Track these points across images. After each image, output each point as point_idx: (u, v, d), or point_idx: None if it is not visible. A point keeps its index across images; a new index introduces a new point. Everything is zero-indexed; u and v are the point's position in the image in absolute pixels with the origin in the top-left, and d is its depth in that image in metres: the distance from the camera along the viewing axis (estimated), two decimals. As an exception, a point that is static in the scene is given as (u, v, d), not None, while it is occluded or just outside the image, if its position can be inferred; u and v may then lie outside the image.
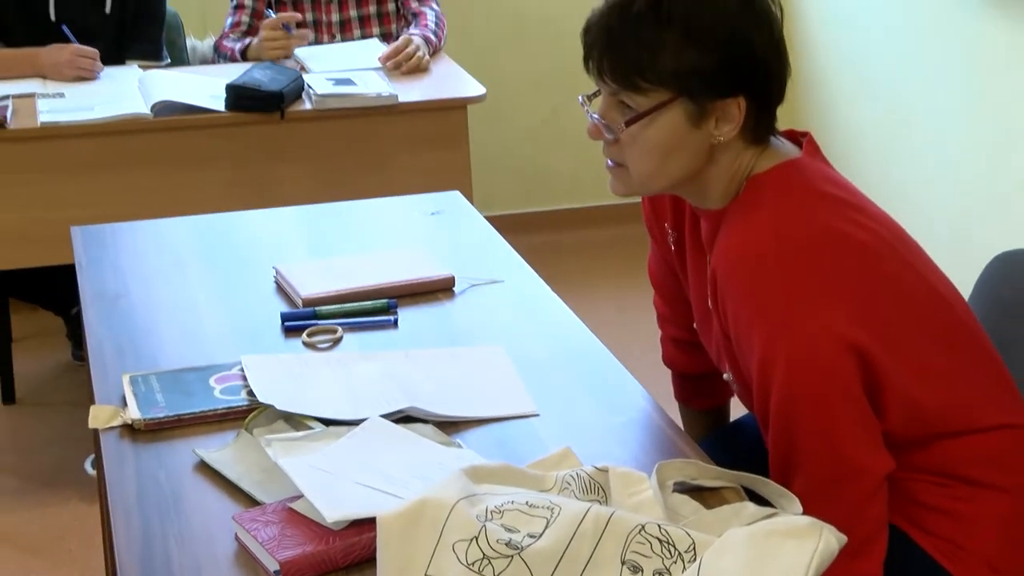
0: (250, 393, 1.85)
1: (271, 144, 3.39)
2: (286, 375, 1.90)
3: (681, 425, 2.01)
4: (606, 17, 1.72)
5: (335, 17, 4.02)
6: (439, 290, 2.24)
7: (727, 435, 2.18)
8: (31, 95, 3.41)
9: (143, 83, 3.48)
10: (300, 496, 1.56)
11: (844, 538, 1.40)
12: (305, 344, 2.05)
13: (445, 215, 2.63)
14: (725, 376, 1.85)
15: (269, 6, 4.05)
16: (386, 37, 4.02)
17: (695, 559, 1.38)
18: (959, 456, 1.75)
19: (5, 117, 3.22)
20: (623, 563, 1.39)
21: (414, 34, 3.80)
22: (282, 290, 2.24)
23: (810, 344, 1.63)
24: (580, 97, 1.80)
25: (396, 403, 1.80)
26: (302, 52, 3.79)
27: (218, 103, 3.35)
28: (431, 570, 1.41)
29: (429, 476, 1.58)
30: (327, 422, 1.76)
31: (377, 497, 1.54)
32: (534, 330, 2.11)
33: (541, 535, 1.41)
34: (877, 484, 1.67)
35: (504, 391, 1.90)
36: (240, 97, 3.35)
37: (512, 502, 1.46)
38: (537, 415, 1.84)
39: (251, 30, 4.00)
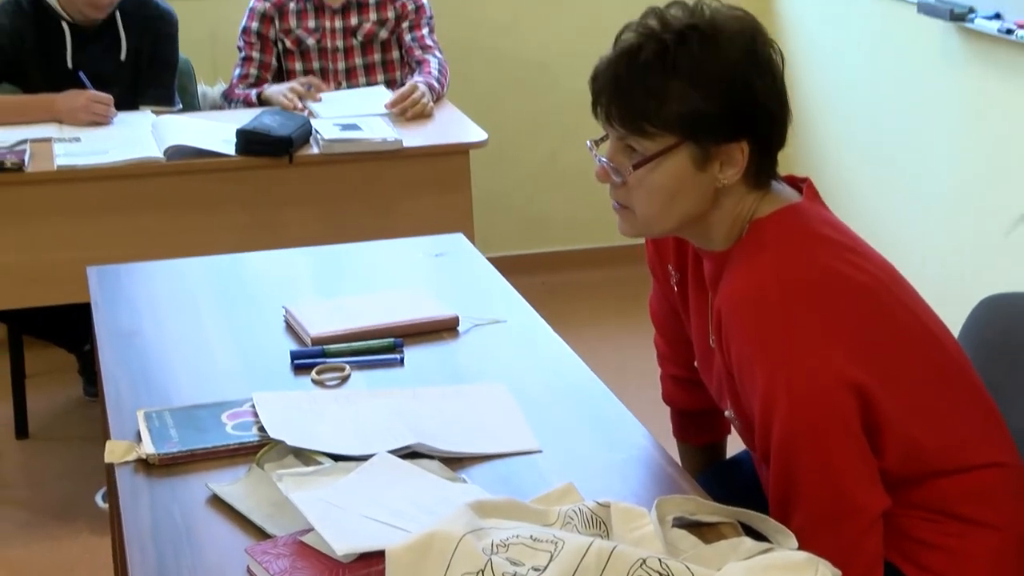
0: (261, 429, 1.85)
1: (280, 187, 3.40)
2: (296, 412, 1.91)
3: (679, 461, 2.01)
4: (614, 65, 1.73)
5: (341, 65, 4.05)
6: (444, 329, 2.24)
7: (723, 471, 2.18)
8: (48, 139, 3.42)
9: (156, 128, 3.49)
10: (310, 529, 1.56)
11: (839, 573, 1.40)
12: (314, 381, 2.06)
13: (449, 257, 2.64)
14: (726, 413, 1.85)
15: (277, 59, 4.08)
16: (390, 84, 4.04)
17: (695, 592, 1.38)
18: (951, 493, 1.75)
19: (23, 160, 3.23)
20: (625, 596, 1.39)
21: (419, 81, 3.82)
22: (291, 329, 2.25)
23: (811, 382, 1.64)
24: (588, 142, 1.81)
25: (403, 439, 1.80)
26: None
27: (229, 147, 3.37)
28: (438, 602, 1.41)
29: (436, 510, 1.58)
30: (336, 457, 1.76)
31: (386, 530, 1.54)
32: (536, 368, 2.11)
33: (546, 568, 1.41)
34: (874, 520, 1.68)
35: (507, 428, 1.90)
36: (250, 142, 3.36)
37: (517, 536, 1.46)
38: (540, 451, 1.84)
39: (258, 82, 4.03)
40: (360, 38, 4.06)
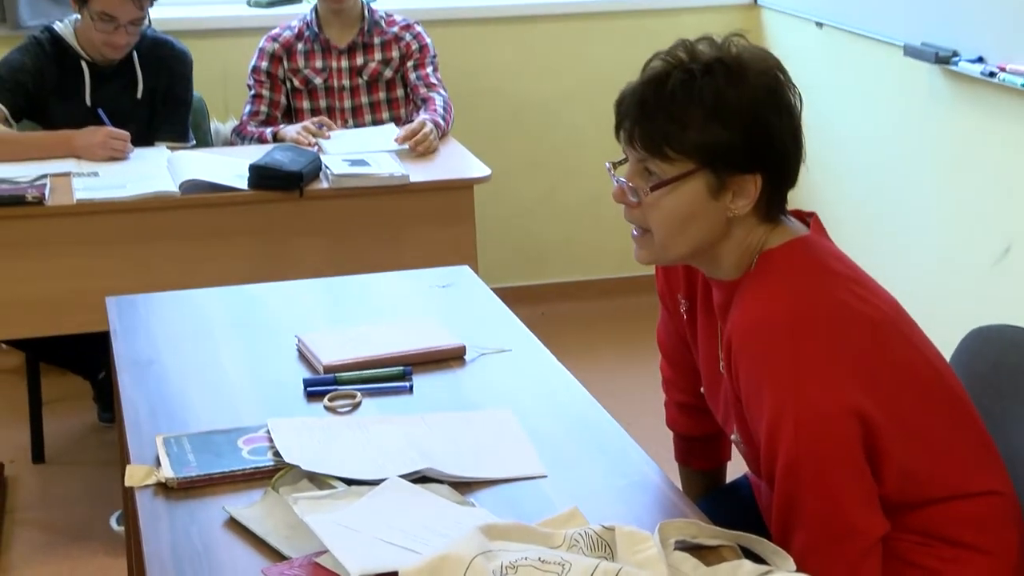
0: (276, 454, 1.85)
1: (291, 220, 3.41)
2: (310, 437, 1.91)
3: (679, 486, 2.01)
4: (641, 90, 1.74)
5: (347, 104, 4.07)
6: (451, 358, 2.25)
7: (723, 495, 2.18)
8: (67, 174, 3.42)
9: (171, 163, 3.50)
10: (325, 551, 1.56)
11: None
12: (327, 408, 2.06)
13: (455, 288, 2.64)
14: (732, 437, 1.86)
15: (286, 97, 4.09)
16: (396, 121, 4.06)
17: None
18: (946, 519, 1.75)
19: (44, 194, 3.24)
20: (631, 616, 1.40)
21: (426, 118, 3.84)
22: (304, 357, 2.25)
23: (816, 409, 1.65)
24: (607, 164, 1.82)
25: (414, 464, 1.81)
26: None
27: (241, 182, 3.38)
28: (450, 622, 1.41)
29: (447, 533, 1.58)
30: (349, 481, 1.76)
31: (399, 552, 1.54)
32: (540, 396, 2.12)
33: (554, 589, 1.42)
34: (873, 543, 1.68)
35: (514, 453, 1.91)
36: (262, 176, 3.37)
37: (526, 558, 1.46)
38: (545, 476, 1.84)
39: (269, 119, 4.04)
40: (366, 77, 4.08)
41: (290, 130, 3.87)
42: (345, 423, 1.99)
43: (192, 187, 3.35)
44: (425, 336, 2.30)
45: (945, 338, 2.09)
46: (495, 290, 2.63)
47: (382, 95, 4.10)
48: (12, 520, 3.44)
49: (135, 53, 3.75)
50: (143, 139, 3.71)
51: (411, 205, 3.48)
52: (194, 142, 3.90)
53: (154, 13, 3.73)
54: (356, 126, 4.04)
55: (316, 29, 4.06)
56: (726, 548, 1.64)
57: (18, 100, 3.65)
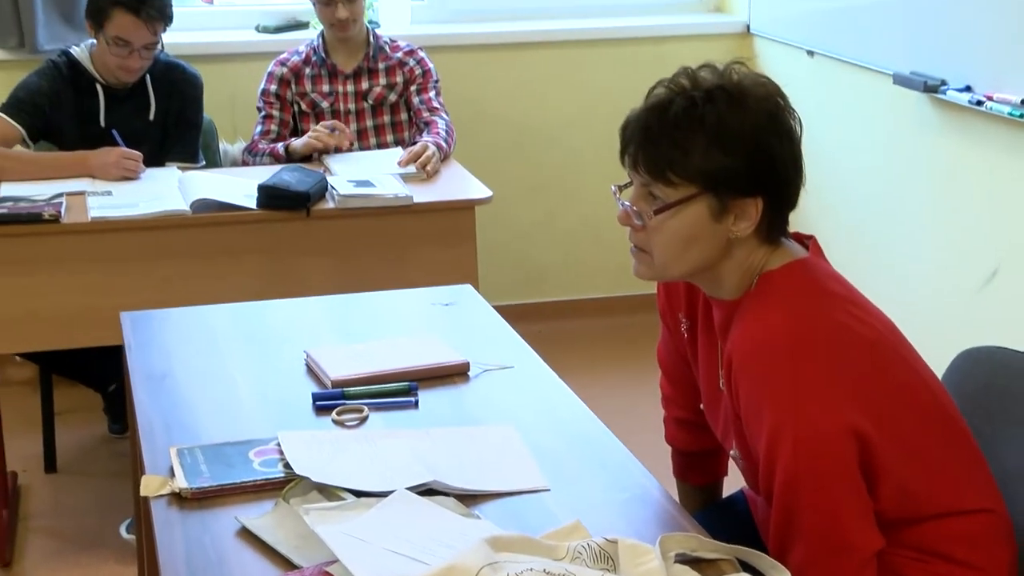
0: (287, 466, 1.85)
1: (298, 239, 3.41)
2: (319, 450, 1.91)
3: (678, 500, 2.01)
4: (645, 117, 1.75)
5: (352, 127, 4.07)
6: (455, 374, 2.25)
7: (719, 510, 2.18)
8: (82, 193, 3.42)
9: (182, 183, 3.50)
10: (335, 561, 1.56)
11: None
12: (335, 422, 2.06)
13: (458, 306, 2.65)
14: (731, 453, 1.86)
15: (294, 118, 4.10)
16: (399, 144, 4.06)
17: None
18: (940, 535, 1.75)
19: (59, 212, 3.24)
20: (633, 627, 1.40)
21: (428, 141, 3.85)
22: (312, 372, 2.25)
23: (815, 427, 1.65)
24: (613, 187, 1.82)
25: (420, 477, 1.81)
26: (328, 158, 3.83)
27: (250, 201, 3.38)
28: (458, 631, 1.41)
29: (453, 544, 1.58)
30: (358, 493, 1.76)
31: (407, 563, 1.54)
32: (542, 411, 2.12)
33: (559, 600, 1.41)
34: (868, 558, 1.68)
35: (517, 467, 1.91)
36: (270, 196, 3.37)
37: (531, 569, 1.46)
38: (548, 490, 1.84)
39: (279, 138, 4.05)
40: (371, 101, 4.08)
41: (303, 139, 3.87)
42: (353, 436, 1.99)
43: (202, 206, 3.35)
44: (429, 353, 2.30)
45: (936, 359, 2.09)
46: (496, 308, 2.64)
47: (387, 119, 4.11)
48: (25, 528, 3.44)
49: (148, 76, 3.77)
50: (155, 160, 3.71)
51: (415, 225, 3.48)
52: (204, 163, 3.91)
53: (166, 38, 3.74)
54: (361, 149, 4.05)
55: (323, 54, 4.08)
56: (725, 561, 1.63)
57: (35, 121, 3.66)
